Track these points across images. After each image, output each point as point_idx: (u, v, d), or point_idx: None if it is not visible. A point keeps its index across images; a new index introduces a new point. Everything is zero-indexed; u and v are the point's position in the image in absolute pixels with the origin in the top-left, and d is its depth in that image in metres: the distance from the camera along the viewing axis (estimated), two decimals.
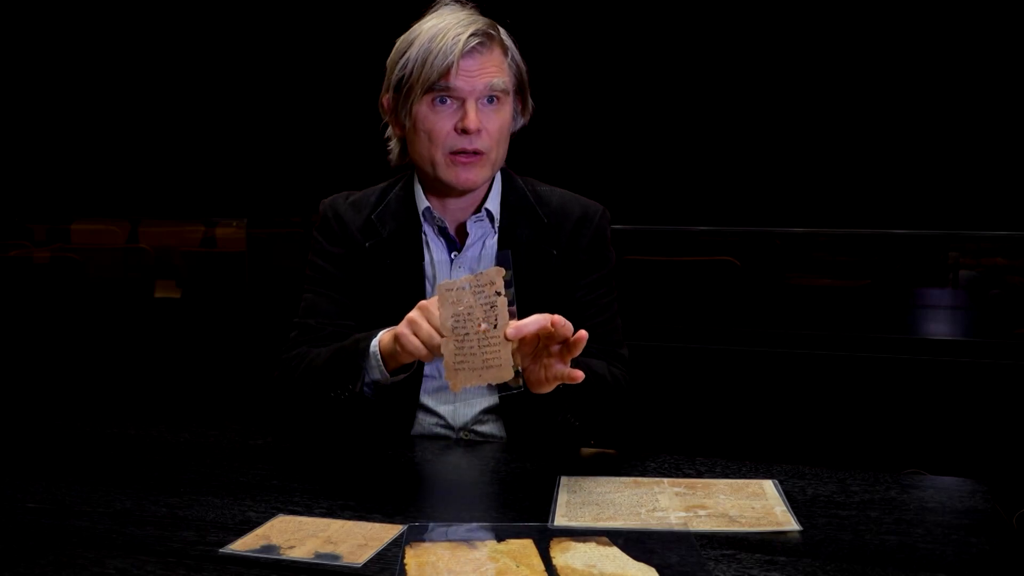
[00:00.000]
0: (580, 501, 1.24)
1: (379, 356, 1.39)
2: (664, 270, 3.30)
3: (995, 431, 2.66)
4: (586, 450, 1.53)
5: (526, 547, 1.07)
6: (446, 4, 1.54)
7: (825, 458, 2.68)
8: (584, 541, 1.09)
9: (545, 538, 1.10)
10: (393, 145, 1.62)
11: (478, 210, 1.58)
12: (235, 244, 4.24)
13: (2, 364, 3.68)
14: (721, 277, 3.29)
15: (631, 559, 1.04)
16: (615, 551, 1.06)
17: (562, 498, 1.26)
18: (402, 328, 1.29)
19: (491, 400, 1.60)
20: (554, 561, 1.03)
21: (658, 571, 1.00)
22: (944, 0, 3.08)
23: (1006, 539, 1.11)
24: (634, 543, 1.08)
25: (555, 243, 1.59)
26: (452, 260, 1.58)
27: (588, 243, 1.61)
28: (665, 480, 1.34)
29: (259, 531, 1.15)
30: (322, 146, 3.79)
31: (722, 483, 1.32)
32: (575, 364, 1.27)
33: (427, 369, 1.58)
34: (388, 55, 1.55)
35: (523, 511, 1.22)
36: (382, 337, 1.39)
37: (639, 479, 1.33)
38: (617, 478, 1.33)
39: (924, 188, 3.13)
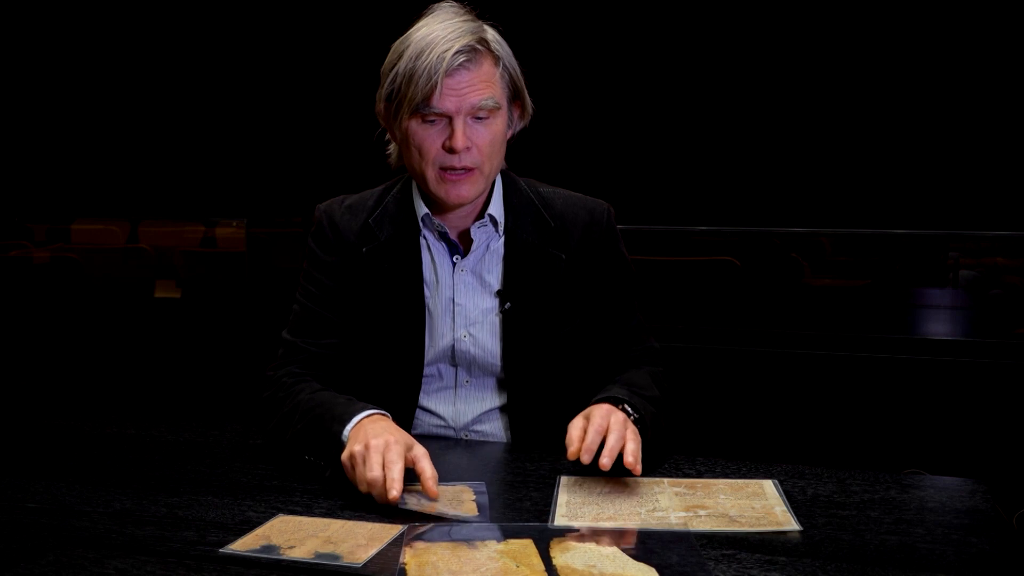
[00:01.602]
0: (580, 501, 1.25)
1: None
2: (664, 270, 3.30)
3: (995, 431, 2.66)
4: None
5: (526, 547, 1.07)
6: (441, 5, 1.50)
7: (825, 458, 2.68)
8: (584, 541, 1.09)
9: (545, 538, 1.10)
10: (392, 148, 1.61)
11: (481, 215, 1.57)
12: (235, 244, 4.23)
13: (2, 364, 3.68)
14: (721, 277, 3.29)
15: (631, 559, 1.04)
16: (615, 551, 1.06)
17: (562, 498, 1.26)
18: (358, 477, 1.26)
19: (493, 401, 1.60)
20: (554, 561, 1.03)
21: (658, 571, 1.00)
22: (944, 0, 3.08)
23: (1006, 539, 1.11)
24: (634, 542, 1.08)
25: (563, 247, 1.58)
26: (455, 264, 1.58)
27: (601, 249, 1.60)
28: (665, 480, 1.34)
29: (259, 531, 1.15)
30: (322, 146, 3.79)
31: (722, 483, 1.32)
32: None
33: (427, 370, 1.58)
34: (386, 57, 1.54)
35: (523, 511, 1.22)
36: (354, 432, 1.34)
37: (639, 479, 1.33)
38: (617, 478, 1.33)
39: (924, 188, 3.13)
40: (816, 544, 1.10)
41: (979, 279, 3.25)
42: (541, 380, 1.57)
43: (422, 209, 1.57)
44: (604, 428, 1.27)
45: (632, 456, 1.25)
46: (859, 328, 2.97)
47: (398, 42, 1.49)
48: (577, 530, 1.13)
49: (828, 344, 2.89)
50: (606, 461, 1.24)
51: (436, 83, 1.40)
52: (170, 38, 4.03)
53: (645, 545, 1.08)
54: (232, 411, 1.75)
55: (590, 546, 1.07)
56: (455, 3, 1.51)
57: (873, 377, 2.81)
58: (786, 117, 3.28)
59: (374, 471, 1.22)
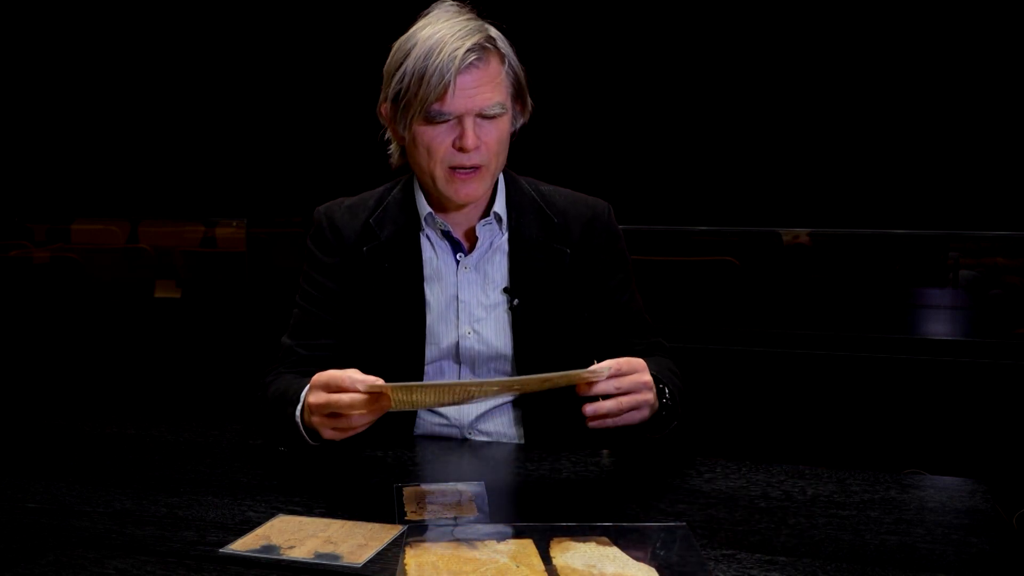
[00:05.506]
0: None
1: (302, 429, 1.35)
2: (664, 270, 3.30)
3: (995, 431, 2.66)
4: None
5: (526, 547, 1.07)
6: (442, 4, 1.51)
7: (825, 458, 2.68)
8: (584, 541, 1.09)
9: (545, 538, 1.10)
10: (393, 148, 1.61)
11: (486, 214, 1.58)
12: (235, 244, 4.23)
13: (2, 364, 3.68)
14: (721, 277, 3.29)
15: (631, 559, 1.04)
16: (615, 551, 1.06)
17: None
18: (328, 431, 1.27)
19: (497, 398, 1.60)
20: (554, 561, 1.03)
21: (658, 571, 1.00)
22: (944, 0, 3.08)
23: (1006, 539, 1.11)
24: (634, 542, 1.08)
25: (566, 242, 1.59)
26: (458, 262, 1.58)
27: (605, 244, 1.62)
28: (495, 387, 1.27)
29: (259, 531, 1.15)
30: (322, 146, 3.79)
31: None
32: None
33: (430, 368, 1.58)
34: (387, 57, 1.54)
35: (523, 511, 1.22)
36: (305, 404, 1.32)
37: (470, 388, 1.26)
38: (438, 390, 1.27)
39: (924, 188, 3.13)
40: (816, 544, 1.10)
41: (979, 279, 3.25)
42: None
43: (425, 208, 1.58)
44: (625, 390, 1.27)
45: (598, 415, 1.25)
46: (859, 328, 2.97)
47: (401, 41, 1.49)
48: (575, 528, 1.13)
49: (828, 344, 2.89)
50: (590, 411, 1.24)
51: (449, 82, 1.41)
52: (170, 38, 4.03)
53: (645, 544, 1.08)
54: (232, 411, 1.75)
55: (590, 546, 1.07)
56: (455, 2, 1.52)
57: (873, 377, 2.81)
58: (786, 117, 3.28)
59: (348, 393, 1.21)
